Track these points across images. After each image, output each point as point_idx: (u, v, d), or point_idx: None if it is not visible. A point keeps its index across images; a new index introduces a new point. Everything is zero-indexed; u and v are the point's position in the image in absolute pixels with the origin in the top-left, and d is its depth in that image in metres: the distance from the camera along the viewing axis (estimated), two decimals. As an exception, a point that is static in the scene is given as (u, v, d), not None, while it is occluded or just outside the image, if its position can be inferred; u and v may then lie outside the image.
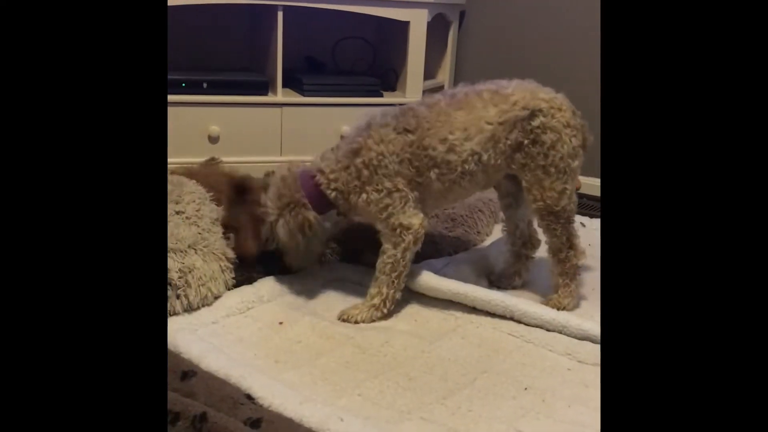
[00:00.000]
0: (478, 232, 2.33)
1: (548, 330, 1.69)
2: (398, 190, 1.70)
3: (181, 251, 1.72)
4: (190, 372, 1.39)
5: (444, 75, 3.36)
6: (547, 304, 1.80)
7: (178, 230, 1.75)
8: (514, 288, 1.95)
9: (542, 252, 1.91)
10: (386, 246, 1.74)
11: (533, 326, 1.71)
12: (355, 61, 3.22)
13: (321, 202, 1.75)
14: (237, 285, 1.85)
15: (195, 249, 1.75)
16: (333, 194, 1.73)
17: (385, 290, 1.74)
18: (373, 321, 1.74)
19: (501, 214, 2.21)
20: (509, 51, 3.21)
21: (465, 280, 1.86)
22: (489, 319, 1.76)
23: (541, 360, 1.59)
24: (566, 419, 1.37)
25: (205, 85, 2.75)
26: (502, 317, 1.75)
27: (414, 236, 1.72)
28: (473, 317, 1.77)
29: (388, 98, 2.99)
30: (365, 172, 1.70)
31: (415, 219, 1.72)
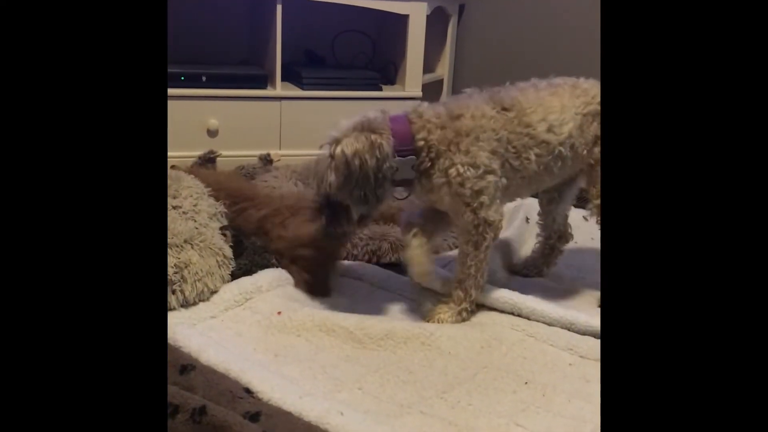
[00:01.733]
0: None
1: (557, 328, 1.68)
2: (493, 171, 1.61)
3: (177, 246, 1.71)
4: (189, 366, 1.38)
5: (443, 69, 3.35)
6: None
7: (174, 225, 1.74)
8: (541, 276, 1.98)
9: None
10: (467, 248, 1.67)
11: (538, 323, 1.70)
12: (355, 54, 3.21)
13: (404, 143, 1.58)
14: (234, 276, 1.84)
15: (191, 244, 1.74)
16: (421, 143, 1.58)
17: (473, 292, 1.70)
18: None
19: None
20: (509, 44, 3.20)
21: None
22: (490, 313, 1.75)
23: (542, 354, 1.59)
24: (566, 414, 1.36)
25: (204, 78, 2.74)
26: (500, 311, 1.75)
27: (495, 232, 1.66)
28: (473, 312, 1.76)
29: (387, 92, 2.99)
30: (464, 140, 1.58)
31: (498, 215, 1.65)
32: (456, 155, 1.58)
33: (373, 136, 1.55)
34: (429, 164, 1.60)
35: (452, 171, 1.59)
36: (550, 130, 1.67)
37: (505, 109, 1.64)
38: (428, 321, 1.70)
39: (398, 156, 1.57)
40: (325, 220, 1.60)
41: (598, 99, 1.72)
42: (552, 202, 1.93)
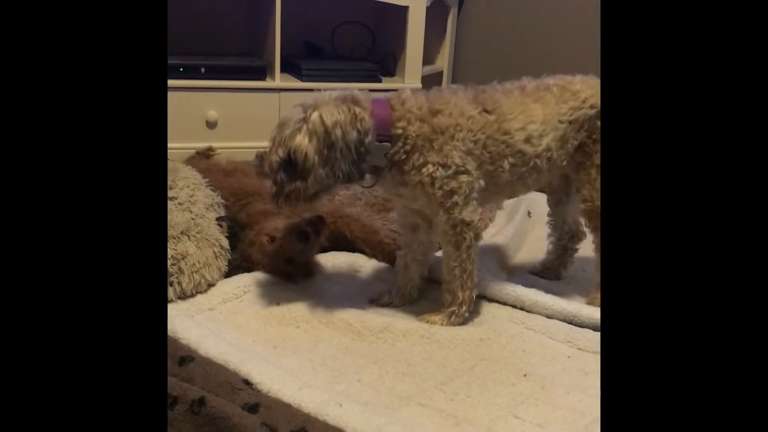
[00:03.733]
0: (481, 218, 2.32)
1: (560, 320, 1.67)
2: (467, 172, 1.56)
3: (174, 237, 1.71)
4: (187, 357, 1.38)
5: (443, 61, 3.34)
6: (591, 302, 1.76)
7: (171, 216, 1.73)
8: (558, 279, 1.95)
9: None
10: (448, 249, 1.63)
11: (542, 315, 1.70)
12: (354, 46, 3.20)
13: (382, 127, 1.52)
14: (231, 270, 1.84)
15: (188, 235, 1.74)
16: (399, 131, 1.53)
17: (460, 294, 1.64)
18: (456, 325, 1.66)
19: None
20: (508, 37, 3.19)
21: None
22: (489, 305, 1.76)
23: (541, 347, 1.59)
24: (565, 406, 1.36)
25: (203, 70, 2.73)
26: (503, 303, 1.75)
27: (474, 232, 1.61)
28: (473, 304, 1.76)
29: (386, 83, 2.98)
30: (439, 138, 1.53)
31: (475, 215, 1.60)
32: (429, 153, 1.53)
33: (356, 109, 1.49)
34: (403, 156, 1.54)
35: (424, 170, 1.54)
36: (528, 140, 1.61)
37: (486, 111, 1.59)
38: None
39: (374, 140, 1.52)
40: (276, 186, 1.50)
41: (591, 101, 1.66)
42: (560, 203, 1.90)
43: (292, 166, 1.47)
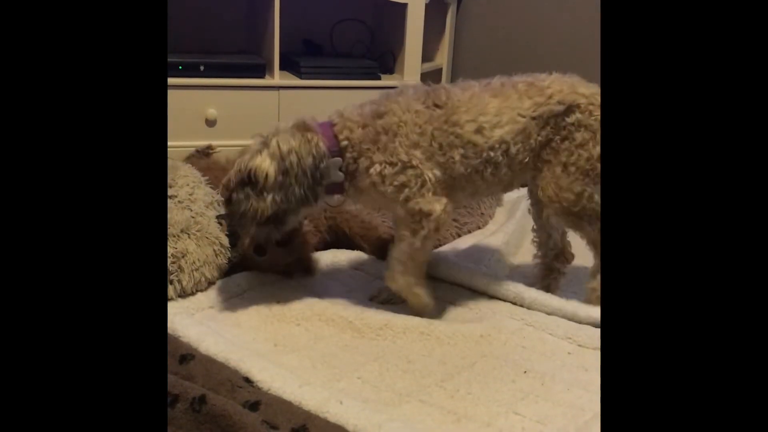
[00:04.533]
0: (482, 214, 2.33)
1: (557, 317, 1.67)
2: (413, 166, 1.58)
3: (174, 236, 1.71)
4: (188, 355, 1.38)
5: (442, 58, 3.34)
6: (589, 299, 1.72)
7: (170, 215, 1.73)
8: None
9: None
10: (403, 233, 1.63)
11: (539, 311, 1.69)
12: (353, 43, 3.19)
13: (330, 144, 1.59)
14: (231, 268, 1.84)
15: (188, 233, 1.74)
16: (345, 142, 1.59)
17: (400, 280, 1.65)
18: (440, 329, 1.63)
19: (503, 198, 2.17)
20: (508, 33, 3.19)
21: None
22: (489, 302, 1.76)
23: (541, 343, 1.59)
24: (565, 402, 1.37)
25: (202, 68, 2.73)
26: (503, 300, 1.75)
27: (435, 223, 1.60)
28: (472, 302, 1.76)
29: (386, 81, 2.97)
30: (383, 138, 1.58)
31: (437, 204, 1.60)
32: (375, 154, 1.58)
33: (309, 134, 1.57)
34: (354, 166, 1.60)
35: (372, 170, 1.58)
36: (478, 131, 1.60)
37: (437, 105, 1.61)
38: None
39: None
40: (232, 204, 1.60)
41: (558, 97, 1.63)
42: (542, 215, 1.79)
43: (250, 186, 1.56)
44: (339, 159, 1.59)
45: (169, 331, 1.50)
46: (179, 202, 1.80)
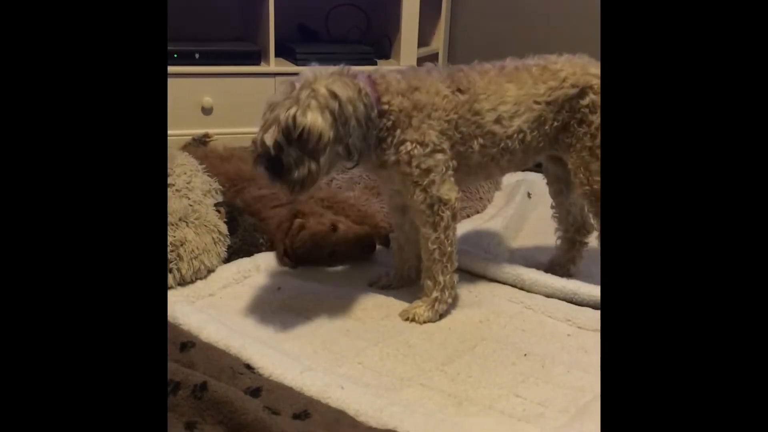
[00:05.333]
0: (480, 198, 2.33)
1: (559, 299, 1.67)
2: (443, 150, 1.54)
3: (172, 224, 1.70)
4: (189, 343, 1.39)
5: (438, 42, 3.32)
6: None
7: (168, 203, 1.73)
8: (570, 276, 1.81)
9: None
10: (426, 231, 1.58)
11: (542, 294, 1.70)
12: (349, 29, 3.17)
13: (375, 103, 1.48)
14: (231, 256, 1.84)
15: (186, 222, 1.74)
16: (385, 107, 1.50)
17: (440, 278, 1.60)
18: (440, 314, 1.61)
19: (502, 182, 2.15)
20: (504, 17, 3.17)
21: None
22: (488, 286, 1.76)
23: (541, 326, 1.59)
24: (565, 384, 1.37)
25: (197, 55, 2.72)
26: (502, 283, 1.75)
27: (452, 211, 1.57)
28: (471, 286, 1.76)
29: (382, 66, 2.96)
30: (417, 115, 1.51)
31: (453, 193, 1.56)
32: (408, 131, 1.51)
33: (359, 83, 1.47)
34: (385, 133, 1.52)
35: (402, 148, 1.52)
36: (498, 121, 1.58)
37: (460, 90, 1.56)
38: (403, 318, 1.62)
39: None
40: (284, 170, 1.40)
41: (572, 80, 1.62)
42: (560, 193, 1.82)
43: (300, 145, 1.39)
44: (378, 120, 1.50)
45: (170, 319, 1.50)
46: (177, 190, 1.80)
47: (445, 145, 1.55)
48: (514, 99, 1.59)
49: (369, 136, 1.47)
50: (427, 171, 1.53)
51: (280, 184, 1.43)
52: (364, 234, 1.89)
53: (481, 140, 1.58)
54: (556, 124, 1.64)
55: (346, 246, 1.84)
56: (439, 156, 1.54)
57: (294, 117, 1.37)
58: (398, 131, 1.51)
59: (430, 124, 1.52)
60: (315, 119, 1.38)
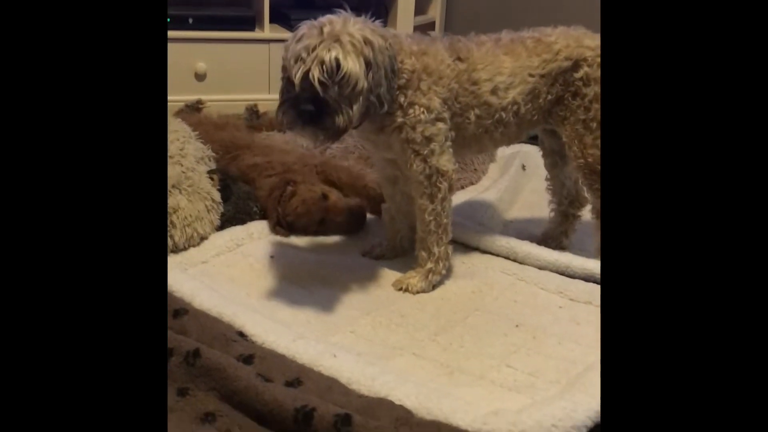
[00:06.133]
0: (475, 170, 2.32)
1: (552, 271, 1.67)
2: (444, 120, 1.53)
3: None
4: (182, 310, 1.38)
5: (435, 11, 3.28)
6: None
7: (161, 170, 1.72)
8: (562, 249, 1.81)
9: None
10: (422, 202, 1.57)
11: (535, 267, 1.70)
12: (345, -5, 3.13)
13: None
14: (224, 224, 1.84)
15: (179, 189, 1.72)
16: (399, 64, 1.47)
17: (435, 249, 1.59)
18: (434, 285, 1.62)
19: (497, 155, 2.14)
20: (503, -14, 3.13)
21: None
22: (482, 257, 1.76)
23: (533, 298, 1.60)
24: (556, 355, 1.38)
25: (190, 20, 2.68)
26: (495, 255, 1.75)
27: (449, 183, 1.56)
28: (465, 257, 1.76)
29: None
30: (425, 79, 1.49)
31: (450, 164, 1.56)
32: (417, 94, 1.49)
33: (386, 33, 1.45)
34: (397, 92, 1.49)
35: (411, 111, 1.49)
36: (494, 92, 1.57)
37: (460, 58, 1.55)
38: (396, 288, 1.62)
39: None
40: (303, 116, 1.36)
41: (565, 53, 1.60)
42: (555, 165, 1.82)
43: (340, 90, 1.35)
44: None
45: (162, 286, 1.49)
46: (170, 157, 1.78)
47: (446, 115, 1.53)
48: (509, 70, 1.58)
49: (392, 87, 1.45)
50: (429, 139, 1.52)
51: (314, 129, 1.39)
52: (355, 204, 1.88)
53: (477, 111, 1.57)
54: (549, 97, 1.63)
55: (336, 214, 1.84)
56: (441, 125, 1.53)
57: (337, 59, 1.34)
58: (409, 92, 1.49)
59: (435, 90, 1.51)
60: (354, 64, 1.35)
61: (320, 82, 1.33)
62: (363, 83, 1.36)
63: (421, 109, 1.49)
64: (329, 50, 1.34)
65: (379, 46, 1.40)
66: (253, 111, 2.67)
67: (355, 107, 1.37)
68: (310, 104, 1.34)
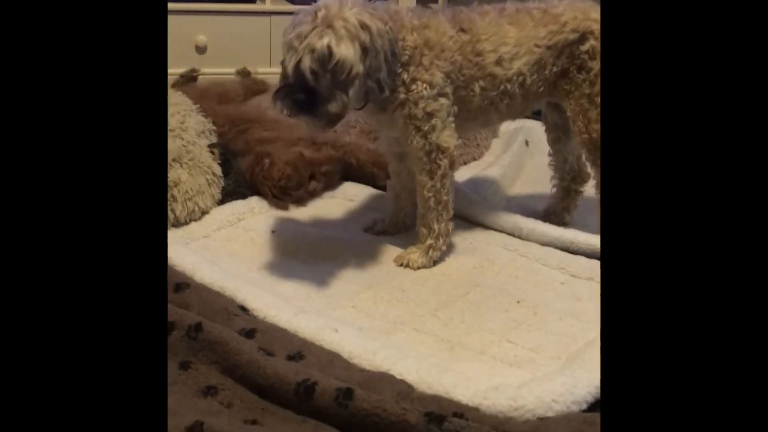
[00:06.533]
0: (477, 145, 2.31)
1: (556, 247, 1.66)
2: (446, 95, 1.51)
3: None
4: (183, 284, 1.38)
5: (439, -16, 3.24)
6: None
7: (161, 143, 1.71)
8: (564, 225, 1.79)
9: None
10: (422, 178, 1.56)
11: (538, 243, 1.69)
12: (347, -32, 3.10)
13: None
14: (225, 197, 1.83)
15: (180, 162, 1.72)
16: (400, 42, 1.46)
17: (435, 226, 1.59)
18: (435, 261, 1.61)
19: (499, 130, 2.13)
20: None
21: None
22: (484, 233, 1.76)
23: (534, 274, 1.60)
24: (557, 331, 1.38)
25: (191, -9, 2.65)
26: (499, 231, 1.75)
27: (449, 160, 1.55)
28: (467, 233, 1.76)
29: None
30: (427, 54, 1.48)
31: (452, 140, 1.54)
32: (419, 69, 1.47)
33: (384, 15, 1.43)
34: (400, 69, 1.47)
35: (414, 87, 1.48)
36: (498, 63, 1.55)
37: (462, 30, 1.53)
38: (397, 264, 1.62)
39: None
40: (296, 104, 1.36)
41: (572, 25, 1.58)
42: (558, 140, 1.80)
43: (333, 77, 1.35)
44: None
45: (164, 259, 1.50)
46: (171, 130, 1.77)
47: (449, 89, 1.52)
48: (514, 41, 1.56)
49: (393, 71, 1.43)
50: (430, 115, 1.51)
51: (309, 117, 1.39)
52: (334, 154, 1.91)
53: (481, 82, 1.56)
54: (555, 69, 1.61)
55: (321, 164, 1.87)
56: (443, 100, 1.52)
57: (329, 46, 1.33)
58: (411, 68, 1.48)
59: (438, 64, 1.49)
60: (348, 50, 1.34)
61: (312, 71, 1.33)
62: (358, 68, 1.35)
63: (424, 85, 1.48)
64: (321, 38, 1.33)
65: (378, 30, 1.38)
66: (245, 73, 2.64)
67: (351, 93, 1.37)
68: (302, 93, 1.34)
